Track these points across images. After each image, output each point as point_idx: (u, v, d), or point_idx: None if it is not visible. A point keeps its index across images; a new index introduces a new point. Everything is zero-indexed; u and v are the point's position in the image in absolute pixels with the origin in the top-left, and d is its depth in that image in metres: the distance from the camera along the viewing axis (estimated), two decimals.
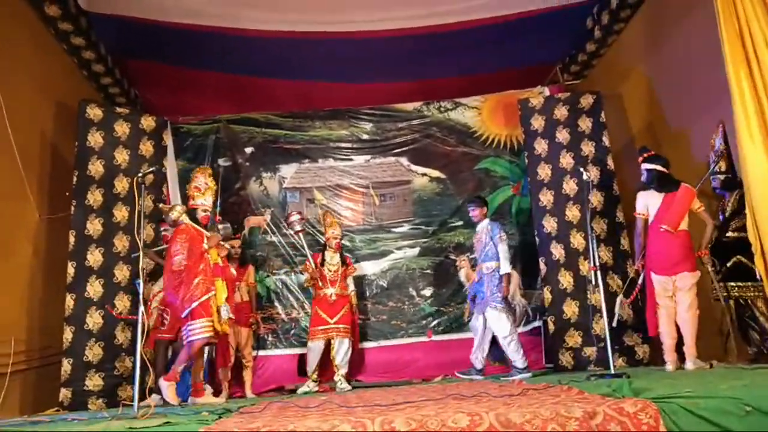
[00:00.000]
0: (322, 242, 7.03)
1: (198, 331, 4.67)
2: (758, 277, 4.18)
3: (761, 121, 4.07)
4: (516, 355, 5.56)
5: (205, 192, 5.12)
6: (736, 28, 4.21)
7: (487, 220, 6.00)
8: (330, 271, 6.44)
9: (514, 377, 5.38)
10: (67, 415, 4.22)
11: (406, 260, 7.29)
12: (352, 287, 6.54)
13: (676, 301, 4.77)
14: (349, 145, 7.80)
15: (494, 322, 5.59)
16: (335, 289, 6.35)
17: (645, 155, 5.15)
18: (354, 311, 6.48)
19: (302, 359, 6.60)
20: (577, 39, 7.32)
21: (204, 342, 4.77)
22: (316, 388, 6.09)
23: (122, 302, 5.80)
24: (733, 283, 4.78)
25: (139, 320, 3.89)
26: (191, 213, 5.09)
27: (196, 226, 5.01)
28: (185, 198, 6.92)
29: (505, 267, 5.66)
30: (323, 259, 6.50)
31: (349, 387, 6.08)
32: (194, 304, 4.69)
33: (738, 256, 4.72)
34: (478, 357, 5.80)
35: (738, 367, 4.36)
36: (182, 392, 4.90)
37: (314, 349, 6.21)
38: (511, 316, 5.66)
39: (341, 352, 6.19)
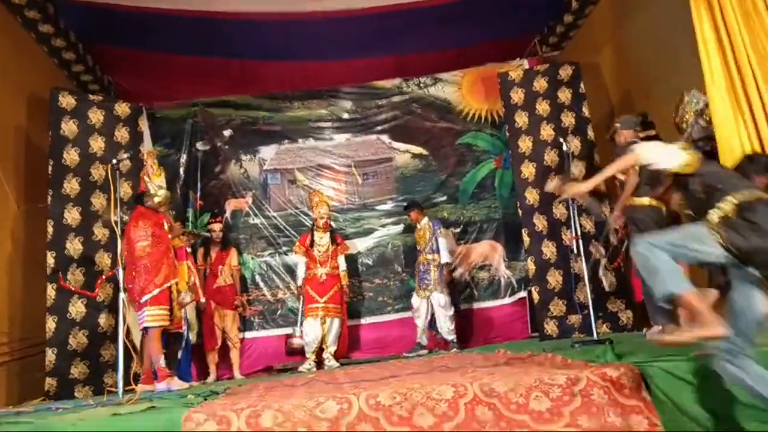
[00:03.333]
0: (307, 223, 7.02)
1: (154, 318, 4.70)
2: None
3: (730, 85, 4.12)
4: (452, 332, 6.39)
5: (153, 176, 5.10)
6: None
7: (426, 218, 6.67)
8: (319, 251, 6.40)
9: (454, 350, 6.24)
10: (52, 404, 4.19)
11: (390, 237, 7.30)
12: (343, 266, 6.51)
13: None
14: (329, 124, 7.75)
15: (441, 301, 6.35)
16: (325, 268, 6.33)
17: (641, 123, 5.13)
18: (345, 291, 6.46)
19: (290, 339, 6.60)
20: (554, 10, 7.27)
21: (161, 329, 4.79)
22: (315, 368, 6.07)
23: (105, 290, 5.74)
24: None
25: (120, 308, 3.86)
26: (140, 197, 5.10)
27: (154, 210, 5.02)
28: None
29: (445, 257, 6.47)
30: (312, 240, 6.46)
31: (338, 364, 6.10)
32: (155, 291, 4.71)
33: None
34: (425, 335, 6.48)
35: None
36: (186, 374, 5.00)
37: (308, 327, 6.22)
38: (452, 298, 6.51)
39: (331, 331, 6.22)
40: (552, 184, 4.31)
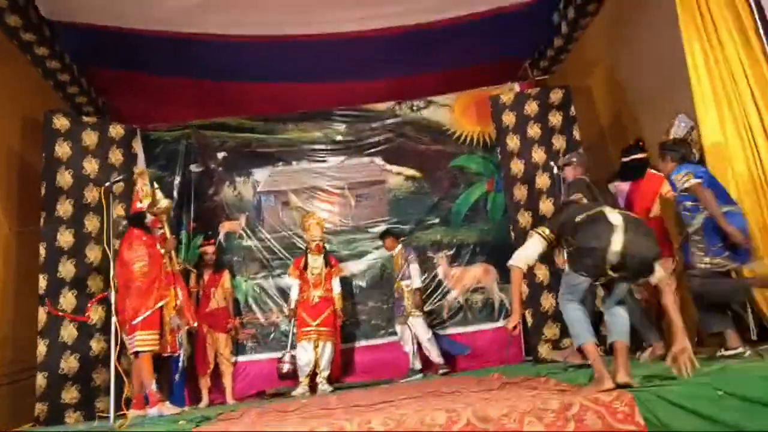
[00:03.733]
0: (301, 245, 7.02)
1: (144, 342, 4.63)
2: None
3: (719, 107, 4.20)
4: (436, 354, 6.50)
5: (144, 197, 5.08)
6: (697, 18, 4.32)
7: (399, 246, 6.79)
8: (313, 274, 6.37)
9: (442, 371, 6.37)
10: (42, 430, 4.14)
11: (383, 260, 7.27)
12: (337, 289, 6.48)
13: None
14: (323, 146, 7.78)
15: (418, 329, 6.44)
16: (318, 291, 6.30)
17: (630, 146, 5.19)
18: (338, 314, 6.41)
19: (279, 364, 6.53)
20: (545, 34, 7.38)
21: (151, 354, 4.71)
22: (309, 392, 6.01)
23: (97, 313, 5.69)
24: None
25: (113, 331, 3.84)
26: (139, 218, 5.05)
27: (146, 230, 4.99)
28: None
29: (417, 282, 6.57)
30: (306, 263, 6.44)
31: (331, 388, 6.05)
32: (147, 313, 4.65)
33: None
34: (417, 360, 6.51)
35: (710, 354, 4.43)
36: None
37: (301, 351, 6.17)
38: (427, 322, 6.62)
39: (324, 355, 6.17)
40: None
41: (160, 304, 4.75)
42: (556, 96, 6.74)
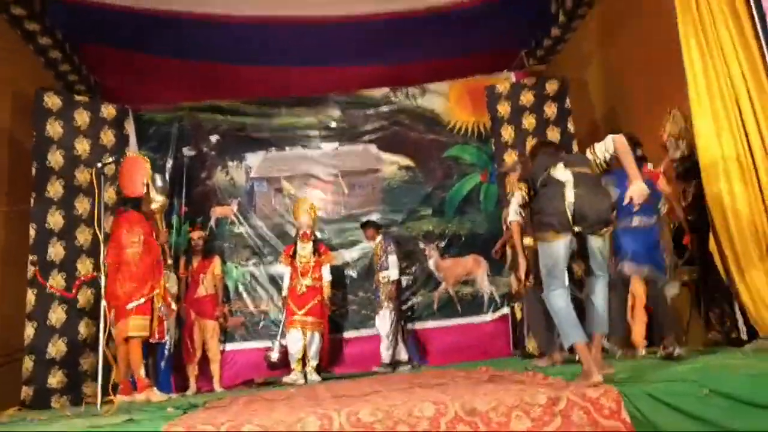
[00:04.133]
0: (292, 232, 6.98)
1: (137, 328, 4.61)
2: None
3: (713, 104, 4.19)
4: (386, 352, 6.34)
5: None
6: (693, 11, 4.30)
7: (380, 237, 6.71)
8: (301, 262, 6.25)
9: (377, 370, 6.26)
10: (27, 414, 4.12)
11: (375, 249, 7.27)
12: (327, 277, 6.33)
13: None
14: (317, 132, 7.73)
15: (380, 322, 6.42)
16: (306, 279, 6.17)
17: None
18: (325, 304, 6.29)
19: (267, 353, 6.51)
20: (542, 24, 7.35)
21: (142, 340, 4.70)
22: (302, 380, 5.94)
23: (85, 296, 5.67)
24: (689, 267, 4.87)
25: (102, 315, 3.81)
26: (135, 202, 4.98)
27: (146, 216, 4.95)
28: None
29: (394, 274, 6.48)
30: (295, 250, 6.34)
31: (319, 378, 6.02)
32: (142, 300, 4.62)
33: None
34: (389, 353, 6.38)
35: (695, 350, 4.46)
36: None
37: (290, 338, 6.10)
38: (396, 318, 6.44)
39: (312, 344, 6.10)
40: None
41: (155, 292, 4.72)
42: (551, 87, 6.73)
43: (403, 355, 6.49)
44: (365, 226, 6.82)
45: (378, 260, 6.65)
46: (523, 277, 4.23)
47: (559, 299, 3.17)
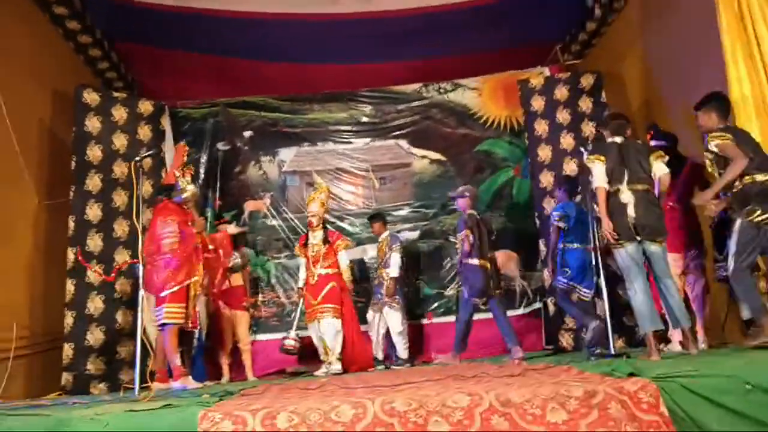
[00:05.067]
0: (324, 226, 7.01)
1: (171, 315, 4.59)
2: None
3: (757, 97, 4.06)
4: (402, 348, 6.35)
5: (186, 172, 5.05)
6: (735, 6, 4.18)
7: (387, 232, 6.62)
8: (313, 251, 6.15)
9: (397, 367, 6.16)
10: (68, 399, 4.24)
11: (406, 243, 7.27)
12: (344, 263, 6.18)
13: (687, 281, 4.71)
14: (348, 127, 7.76)
15: (392, 320, 6.34)
16: (318, 268, 6.06)
17: (650, 132, 5.08)
18: (346, 288, 6.14)
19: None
20: (578, 18, 7.24)
21: (177, 327, 4.70)
22: (334, 370, 5.84)
23: (123, 286, 5.80)
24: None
25: (139, 305, 3.89)
26: (170, 190, 4.99)
27: (180, 206, 4.96)
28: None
29: (394, 272, 6.36)
30: (307, 239, 6.28)
31: (340, 369, 5.86)
32: (176, 288, 4.62)
33: None
34: (380, 349, 6.43)
35: (738, 346, 4.36)
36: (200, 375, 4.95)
37: (311, 332, 6.09)
38: (404, 313, 6.42)
39: (328, 332, 5.92)
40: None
41: (191, 280, 4.74)
42: (586, 81, 6.63)
43: (381, 354, 6.45)
44: (373, 219, 6.73)
45: (383, 256, 6.52)
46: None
47: (637, 295, 3.93)
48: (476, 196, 5.90)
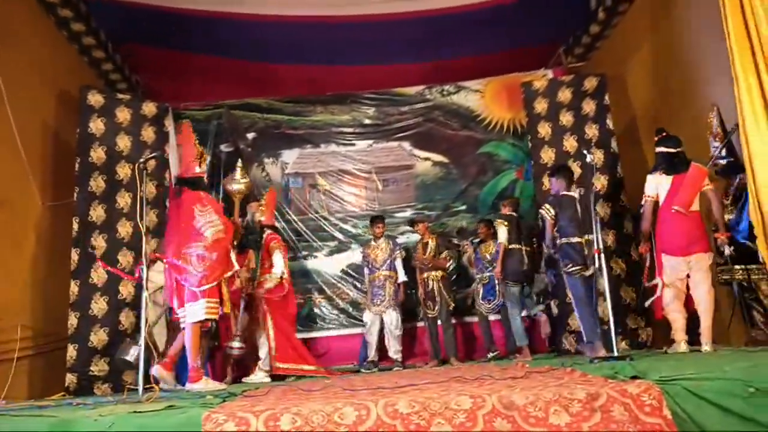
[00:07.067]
0: (327, 228, 7.04)
1: (207, 311, 4.36)
2: (761, 259, 4.17)
3: (764, 103, 4.03)
4: (399, 352, 6.48)
5: (203, 162, 4.86)
6: (740, 12, 4.16)
7: (383, 238, 6.69)
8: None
9: (396, 369, 6.28)
10: (72, 400, 4.25)
11: (411, 245, 7.27)
12: (276, 268, 5.84)
13: (690, 284, 4.71)
14: (351, 129, 7.79)
15: (393, 321, 6.43)
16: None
17: (657, 138, 5.10)
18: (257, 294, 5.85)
19: (304, 345, 6.55)
20: (581, 20, 7.25)
21: (208, 323, 4.56)
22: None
23: (126, 288, 5.80)
24: (737, 266, 4.74)
25: (143, 306, 3.89)
26: (199, 182, 4.77)
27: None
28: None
29: (402, 276, 6.56)
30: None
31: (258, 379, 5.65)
32: (214, 283, 4.41)
33: (744, 239, 4.68)
34: (375, 352, 6.49)
35: (741, 349, 4.36)
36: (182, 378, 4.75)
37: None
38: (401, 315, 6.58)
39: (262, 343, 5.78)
40: None
41: (229, 274, 4.57)
42: (590, 84, 6.63)
43: (376, 356, 6.51)
44: (378, 220, 6.75)
45: (381, 259, 6.58)
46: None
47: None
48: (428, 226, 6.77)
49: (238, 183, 5.13)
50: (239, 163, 5.86)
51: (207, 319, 4.45)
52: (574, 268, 5.05)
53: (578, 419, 2.53)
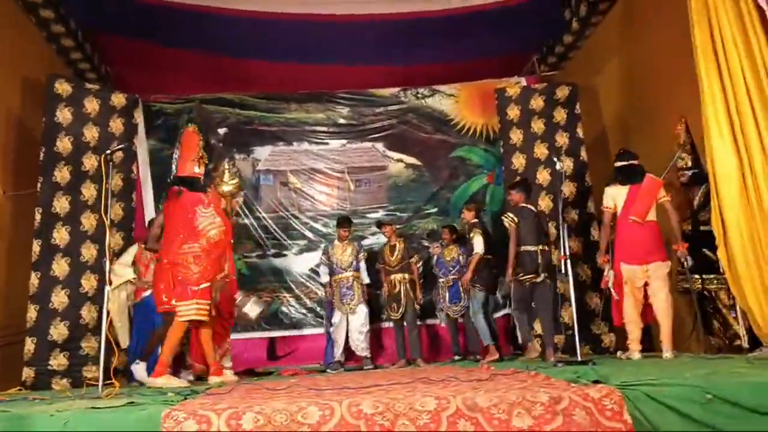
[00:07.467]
0: (297, 226, 6.99)
1: (198, 312, 4.41)
2: (721, 269, 4.27)
3: (728, 118, 4.14)
4: (366, 350, 6.51)
5: (200, 161, 4.90)
6: (708, 28, 4.27)
7: (347, 240, 6.73)
8: None
9: (367, 367, 6.35)
10: (28, 395, 4.13)
11: (379, 246, 7.27)
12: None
13: (648, 292, 4.79)
14: (325, 128, 7.75)
15: (360, 319, 6.48)
16: None
17: (616, 155, 5.22)
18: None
19: (272, 344, 6.53)
20: (555, 30, 7.34)
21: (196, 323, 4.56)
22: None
23: (89, 282, 5.68)
24: (697, 276, 4.85)
25: (105, 300, 3.81)
26: (196, 182, 4.78)
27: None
28: (157, 178, 6.81)
29: (365, 278, 6.69)
30: None
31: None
32: (208, 284, 4.45)
33: (703, 249, 4.79)
34: (340, 351, 6.49)
35: (701, 356, 4.46)
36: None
37: None
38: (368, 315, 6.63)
39: None
40: None
41: (222, 274, 4.64)
42: (562, 93, 6.72)
43: (342, 356, 6.54)
44: (346, 222, 6.75)
45: (346, 260, 6.62)
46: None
47: None
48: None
49: (227, 185, 5.10)
50: (226, 165, 5.77)
51: (201, 319, 4.49)
52: (525, 276, 5.33)
53: (540, 422, 2.55)
